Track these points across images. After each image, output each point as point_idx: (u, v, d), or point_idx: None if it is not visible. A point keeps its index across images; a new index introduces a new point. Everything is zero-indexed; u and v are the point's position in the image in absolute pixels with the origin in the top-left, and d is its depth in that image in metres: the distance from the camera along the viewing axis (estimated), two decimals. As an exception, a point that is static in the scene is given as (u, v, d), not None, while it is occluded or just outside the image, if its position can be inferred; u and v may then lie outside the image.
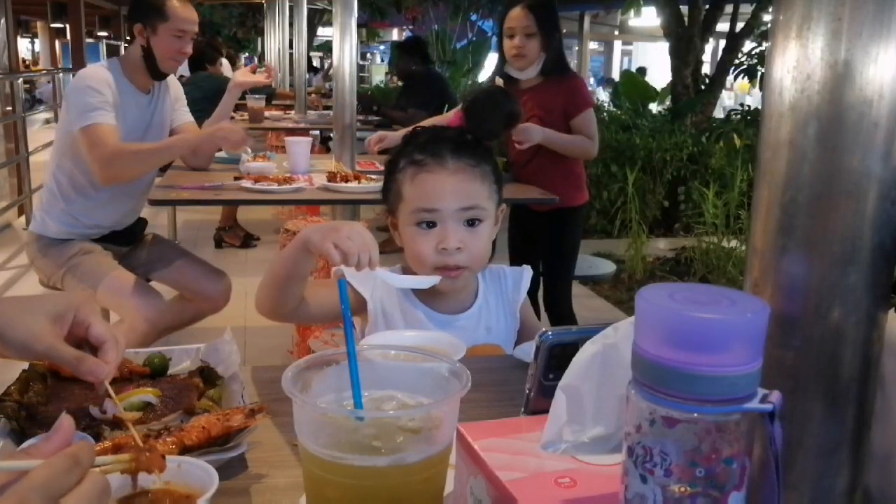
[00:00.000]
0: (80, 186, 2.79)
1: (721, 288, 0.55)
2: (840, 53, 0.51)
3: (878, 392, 0.58)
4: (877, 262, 0.53)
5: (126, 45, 14.76)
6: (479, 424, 0.75)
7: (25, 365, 1.13)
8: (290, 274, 1.31)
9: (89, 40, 12.66)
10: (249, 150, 3.62)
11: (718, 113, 8.21)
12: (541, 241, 3.23)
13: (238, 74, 3.50)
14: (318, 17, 14.49)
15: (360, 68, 13.33)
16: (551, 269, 3.24)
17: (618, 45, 22.00)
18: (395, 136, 3.22)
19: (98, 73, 2.74)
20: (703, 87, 7.38)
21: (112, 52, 14.23)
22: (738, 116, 7.26)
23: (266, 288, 1.35)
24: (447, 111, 4.17)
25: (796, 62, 0.53)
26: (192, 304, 3.01)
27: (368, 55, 17.48)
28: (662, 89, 9.49)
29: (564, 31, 3.54)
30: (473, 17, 12.63)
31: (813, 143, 0.53)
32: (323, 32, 16.63)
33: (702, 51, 7.29)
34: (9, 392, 1.07)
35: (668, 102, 8.22)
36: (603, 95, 12.37)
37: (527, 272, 1.61)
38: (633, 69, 14.14)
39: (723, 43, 7.56)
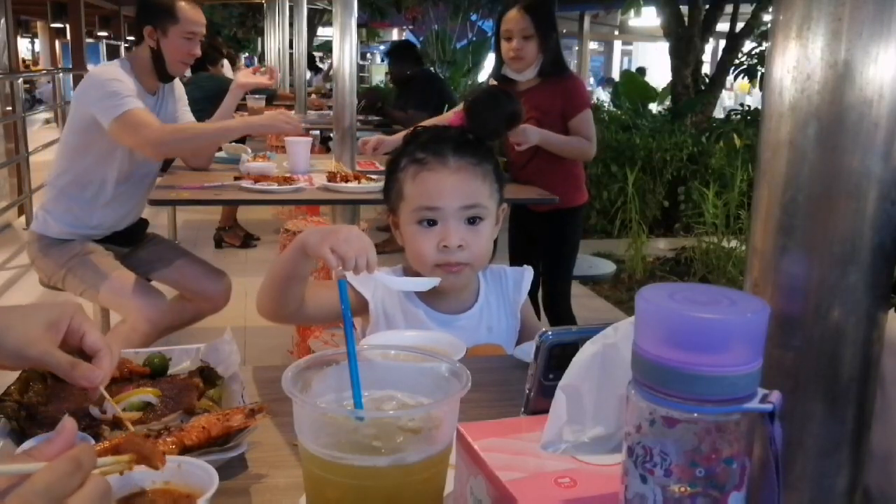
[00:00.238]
0: (84, 186, 2.79)
1: (721, 288, 0.55)
2: (840, 53, 0.51)
3: (878, 392, 0.58)
4: (877, 262, 0.53)
5: (126, 45, 14.79)
6: (479, 424, 0.75)
7: (25, 365, 1.13)
8: (290, 276, 1.31)
9: (89, 40, 12.66)
10: (249, 150, 3.63)
11: (718, 113, 8.20)
12: (540, 241, 3.24)
13: (240, 75, 3.51)
14: (318, 17, 14.49)
15: (360, 68, 13.32)
16: (551, 269, 3.24)
17: (618, 45, 21.99)
18: (392, 140, 3.22)
19: (115, 70, 2.76)
20: (703, 87, 7.38)
21: (112, 51, 14.24)
22: (738, 116, 7.26)
23: (266, 290, 1.35)
24: (446, 111, 4.17)
25: (796, 62, 0.53)
26: (192, 304, 3.01)
27: (368, 55, 17.47)
28: (662, 89, 9.49)
29: (564, 31, 3.55)
30: (473, 17, 12.63)
31: (813, 143, 0.53)
32: (323, 32, 16.63)
33: (702, 51, 7.29)
34: (9, 392, 1.07)
35: (668, 102, 8.22)
36: (603, 95, 12.36)
37: (528, 272, 1.62)
38: (633, 69, 14.13)
39: (723, 43, 7.56)
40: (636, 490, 0.55)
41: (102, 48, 14.02)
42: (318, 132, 6.45)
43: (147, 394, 1.13)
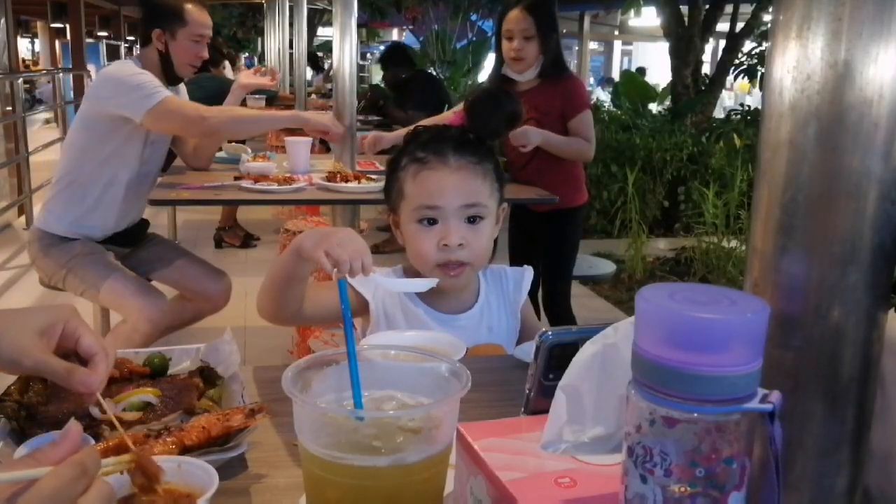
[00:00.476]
0: (92, 185, 2.79)
1: (721, 288, 0.55)
2: (840, 53, 0.51)
3: (878, 392, 0.58)
4: (877, 262, 0.53)
5: (126, 44, 14.79)
6: (479, 424, 0.75)
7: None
8: (288, 278, 1.31)
9: (89, 40, 12.65)
10: (249, 150, 3.63)
11: (718, 113, 8.20)
12: (540, 241, 3.24)
13: (242, 76, 3.52)
14: (318, 17, 14.48)
15: (360, 68, 13.31)
16: (551, 269, 3.24)
17: (618, 45, 21.99)
18: (390, 137, 3.21)
19: (132, 66, 2.80)
20: (703, 87, 7.38)
21: (112, 51, 14.22)
22: (738, 116, 7.26)
23: (266, 292, 1.35)
24: (446, 111, 4.17)
25: (796, 62, 0.53)
26: (192, 303, 3.02)
27: (368, 55, 17.46)
28: (662, 89, 9.48)
29: (564, 31, 3.54)
30: (473, 17, 12.62)
31: (813, 143, 0.53)
32: (323, 32, 16.62)
33: (702, 51, 7.29)
34: (9, 392, 1.07)
35: (668, 102, 8.22)
36: (603, 95, 12.36)
37: (528, 272, 1.62)
38: (633, 69, 14.13)
39: (723, 43, 7.56)
40: (636, 490, 0.55)
41: (102, 48, 14.00)
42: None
43: (147, 394, 1.13)
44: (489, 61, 12.45)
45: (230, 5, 14.10)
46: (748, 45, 7.65)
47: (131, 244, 2.99)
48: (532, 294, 2.09)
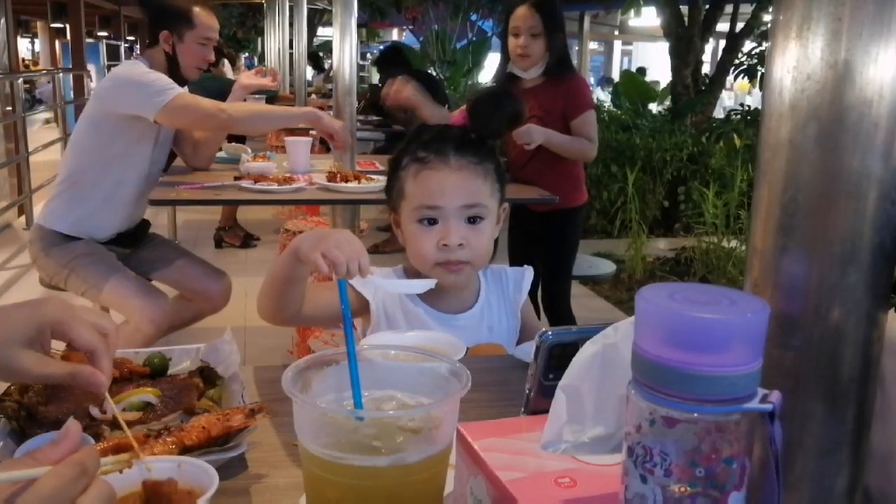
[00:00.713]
0: (99, 186, 2.79)
1: (721, 288, 0.55)
2: (840, 53, 0.51)
3: (878, 392, 0.58)
4: (877, 262, 0.53)
5: (126, 44, 14.78)
6: (479, 424, 0.75)
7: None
8: (287, 280, 1.31)
9: (89, 40, 12.64)
10: (249, 150, 3.63)
11: (718, 113, 8.20)
12: (540, 241, 3.24)
13: (243, 77, 3.52)
14: (318, 17, 14.48)
15: (360, 68, 13.31)
16: (550, 269, 3.24)
17: (618, 45, 21.98)
18: (416, 84, 3.12)
19: (142, 66, 2.80)
20: (703, 87, 7.38)
21: (112, 51, 14.21)
22: (738, 116, 7.26)
23: (266, 294, 1.35)
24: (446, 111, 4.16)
25: (796, 62, 0.53)
26: (192, 304, 3.02)
27: (368, 55, 17.45)
28: (662, 89, 9.48)
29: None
30: (473, 17, 12.62)
31: (813, 143, 0.53)
32: (323, 32, 16.62)
33: (702, 51, 7.28)
34: (9, 392, 1.07)
35: (668, 102, 8.22)
36: (603, 95, 12.36)
37: (528, 273, 1.62)
38: (633, 69, 14.13)
39: (723, 43, 7.55)
40: (636, 490, 0.55)
41: (102, 48, 13.99)
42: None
43: (147, 394, 1.13)
44: (489, 61, 12.46)
45: (230, 5, 14.10)
46: (748, 45, 7.65)
47: (133, 244, 2.99)
48: (532, 294, 2.09)
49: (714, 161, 6.16)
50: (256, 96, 5.18)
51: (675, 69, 7.15)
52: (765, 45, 7.11)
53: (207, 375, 1.20)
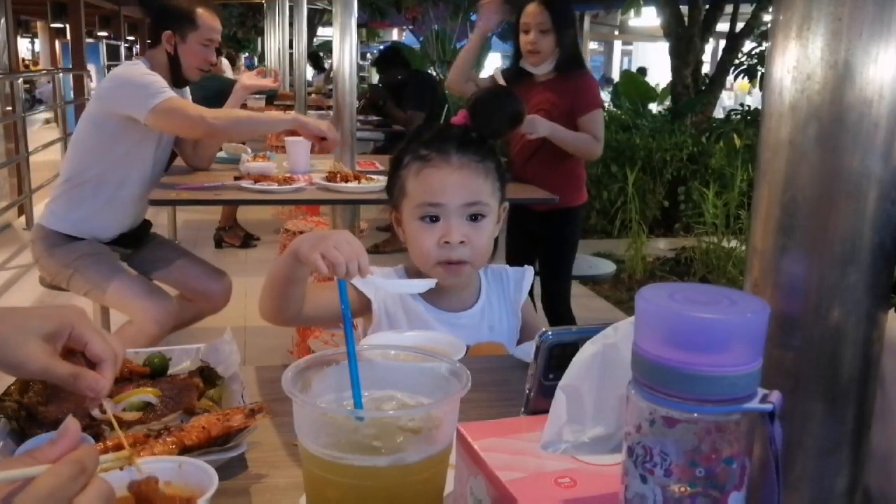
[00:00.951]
0: (102, 186, 2.78)
1: (721, 288, 0.55)
2: (840, 53, 0.51)
3: (878, 392, 0.58)
4: (877, 262, 0.53)
5: (125, 44, 14.77)
6: (479, 424, 0.75)
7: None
8: (287, 280, 1.32)
9: (89, 40, 12.64)
10: (249, 150, 3.63)
11: (718, 113, 8.20)
12: (540, 241, 3.24)
13: (245, 77, 3.52)
14: (318, 17, 14.48)
15: (360, 68, 13.31)
16: (550, 268, 3.25)
17: (618, 45, 21.99)
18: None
19: (142, 67, 2.80)
20: (703, 87, 7.38)
21: (112, 51, 14.21)
22: (738, 116, 7.26)
23: (266, 294, 1.35)
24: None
25: (796, 62, 0.53)
26: (192, 303, 3.01)
27: (368, 55, 17.45)
28: (662, 89, 9.47)
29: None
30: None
31: (813, 143, 0.53)
32: (323, 32, 16.62)
33: (702, 51, 7.28)
34: (9, 392, 1.07)
35: (668, 102, 8.22)
36: (603, 95, 12.35)
37: (528, 272, 1.63)
38: (633, 69, 14.13)
39: (723, 43, 7.55)
40: (636, 490, 0.55)
41: (102, 48, 13.98)
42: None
43: (147, 394, 1.13)
44: (490, 61, 12.46)
45: (230, 5, 14.10)
46: (748, 45, 7.65)
47: (135, 245, 2.99)
48: (531, 294, 2.09)
49: (714, 161, 6.16)
50: (256, 96, 5.19)
51: (675, 69, 7.15)
52: (765, 45, 7.12)
53: (207, 375, 1.20)
